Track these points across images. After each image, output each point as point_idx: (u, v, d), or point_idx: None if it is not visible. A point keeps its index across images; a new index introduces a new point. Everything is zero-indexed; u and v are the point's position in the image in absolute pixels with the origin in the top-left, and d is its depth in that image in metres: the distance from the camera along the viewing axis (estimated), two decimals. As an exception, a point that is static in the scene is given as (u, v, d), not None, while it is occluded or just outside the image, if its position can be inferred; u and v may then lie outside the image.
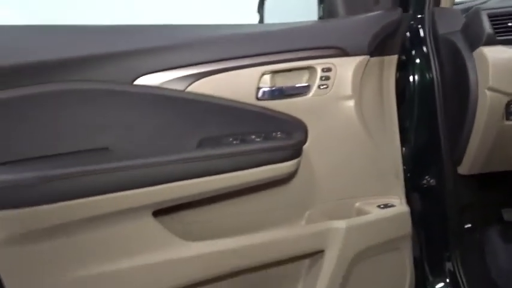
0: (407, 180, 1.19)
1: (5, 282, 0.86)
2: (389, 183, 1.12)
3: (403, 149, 1.20)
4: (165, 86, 0.93)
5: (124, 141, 0.92)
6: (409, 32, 1.21)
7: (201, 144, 0.96)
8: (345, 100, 1.04)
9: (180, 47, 0.96)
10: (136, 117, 0.92)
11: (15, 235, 0.82)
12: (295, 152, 0.98)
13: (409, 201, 1.18)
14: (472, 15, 1.14)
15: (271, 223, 1.05)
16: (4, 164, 0.82)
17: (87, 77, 0.88)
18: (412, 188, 1.22)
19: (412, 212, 1.18)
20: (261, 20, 1.48)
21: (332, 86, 1.03)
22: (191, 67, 0.95)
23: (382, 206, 1.09)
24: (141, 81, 0.92)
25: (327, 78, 1.03)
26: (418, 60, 1.21)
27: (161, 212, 0.93)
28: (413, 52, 1.22)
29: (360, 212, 1.10)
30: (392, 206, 1.10)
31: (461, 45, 1.13)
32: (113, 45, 0.91)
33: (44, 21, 1.00)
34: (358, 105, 1.05)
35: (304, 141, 1.02)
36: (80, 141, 0.89)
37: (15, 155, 0.84)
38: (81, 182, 0.83)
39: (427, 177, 1.23)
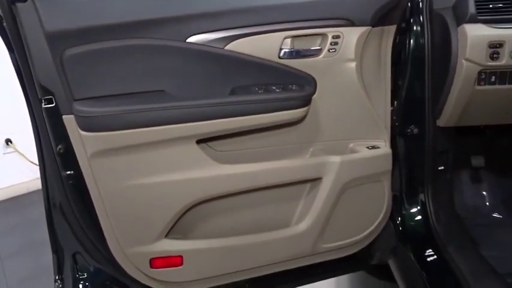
0: (395, 128, 1.47)
1: (89, 184, 1.19)
2: (378, 130, 1.41)
3: (394, 102, 1.47)
4: (209, 44, 1.20)
5: (176, 86, 1.20)
6: (411, 4, 1.43)
7: (233, 91, 1.24)
8: (348, 62, 1.30)
9: (222, 13, 1.21)
10: (186, 68, 1.20)
11: (101, 151, 1.13)
12: (306, 101, 1.26)
13: (395, 145, 1.47)
14: None
15: (283, 155, 1.36)
16: (95, 98, 1.13)
17: (152, 35, 1.15)
18: (399, 135, 1.51)
19: (397, 154, 1.48)
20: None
21: (339, 50, 1.29)
22: (229, 30, 1.21)
23: (370, 147, 1.38)
24: (191, 39, 1.19)
25: (336, 43, 1.28)
26: (414, 28, 1.44)
27: (202, 141, 1.23)
28: (412, 21, 1.45)
29: (353, 151, 1.39)
30: (378, 147, 1.39)
31: (450, 20, 1.37)
32: (171, 10, 1.17)
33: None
34: (359, 66, 1.31)
35: (313, 93, 1.30)
36: (144, 84, 1.18)
37: (102, 91, 1.14)
38: (147, 115, 1.13)
39: (411, 126, 1.50)
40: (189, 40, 1.18)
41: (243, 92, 1.23)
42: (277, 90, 1.24)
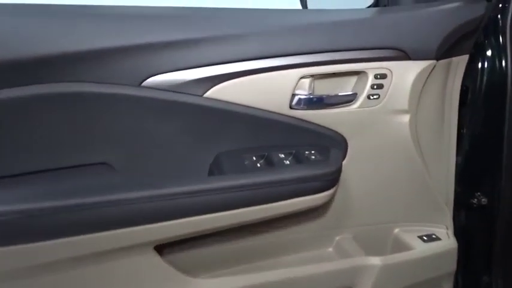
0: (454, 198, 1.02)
1: None
2: (436, 210, 0.96)
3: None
4: (180, 89, 0.75)
5: (126, 156, 0.76)
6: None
7: (217, 161, 0.80)
8: (398, 114, 0.85)
9: (200, 41, 0.76)
10: (142, 127, 0.75)
11: (12, 271, 0.68)
12: (332, 181, 0.81)
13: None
14: None
15: (295, 249, 0.91)
16: None
17: (85, 78, 0.70)
18: (459, 206, 1.06)
19: (455, 232, 1.03)
20: (304, 5, 1.22)
21: (385, 96, 0.83)
22: (212, 67, 0.76)
23: (425, 238, 0.93)
24: (150, 83, 0.74)
25: (380, 86, 0.83)
26: (489, 54, 0.99)
27: (165, 244, 0.78)
28: (486, 43, 0.99)
29: (397, 241, 0.94)
30: (437, 238, 0.94)
31: None
32: (118, 37, 0.72)
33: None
34: (413, 120, 0.86)
35: (343, 160, 0.85)
36: (75, 155, 0.73)
37: (4, 169, 0.69)
38: (78, 216, 0.67)
39: (478, 194, 1.05)
40: (146, 84, 0.74)
41: (232, 164, 0.78)
42: (287, 162, 0.79)
